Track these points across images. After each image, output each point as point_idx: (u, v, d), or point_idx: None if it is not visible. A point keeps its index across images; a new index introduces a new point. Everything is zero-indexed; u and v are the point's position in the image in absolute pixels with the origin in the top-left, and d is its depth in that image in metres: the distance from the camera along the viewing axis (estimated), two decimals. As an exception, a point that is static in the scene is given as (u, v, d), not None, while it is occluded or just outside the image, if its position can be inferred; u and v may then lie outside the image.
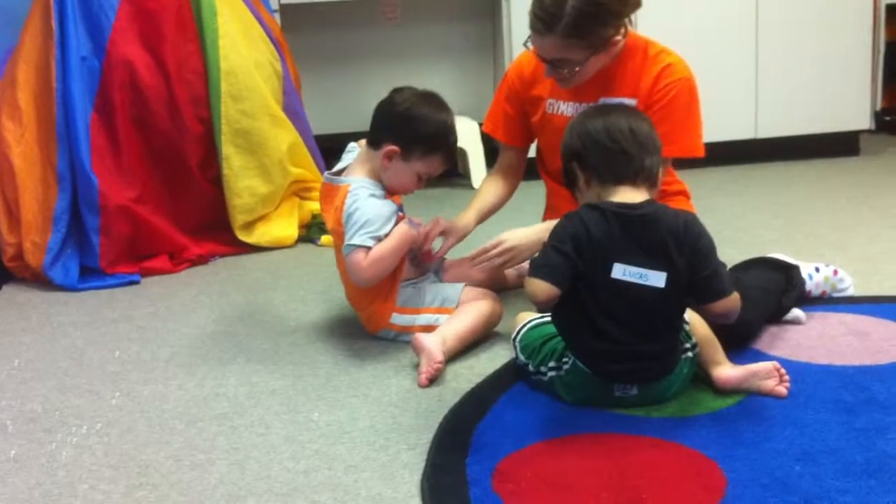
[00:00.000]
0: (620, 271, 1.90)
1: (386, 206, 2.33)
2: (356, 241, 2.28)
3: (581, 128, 2.01)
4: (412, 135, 2.33)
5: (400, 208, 2.44)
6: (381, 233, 2.29)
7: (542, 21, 2.27)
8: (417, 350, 2.22)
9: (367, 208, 2.30)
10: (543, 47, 2.33)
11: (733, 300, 1.95)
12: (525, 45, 2.39)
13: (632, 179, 1.96)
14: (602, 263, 1.91)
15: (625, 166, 1.96)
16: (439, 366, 2.17)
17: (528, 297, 1.95)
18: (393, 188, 2.40)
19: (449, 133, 2.38)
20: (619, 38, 2.35)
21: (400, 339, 2.41)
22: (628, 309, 1.92)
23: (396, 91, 2.40)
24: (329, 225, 2.45)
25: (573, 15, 2.23)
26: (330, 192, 2.42)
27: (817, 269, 2.54)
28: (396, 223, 2.35)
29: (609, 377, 1.95)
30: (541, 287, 1.89)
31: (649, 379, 1.96)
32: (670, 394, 1.99)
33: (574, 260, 1.90)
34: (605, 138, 1.97)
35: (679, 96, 2.40)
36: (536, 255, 1.98)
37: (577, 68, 2.34)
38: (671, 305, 1.95)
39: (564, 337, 2.03)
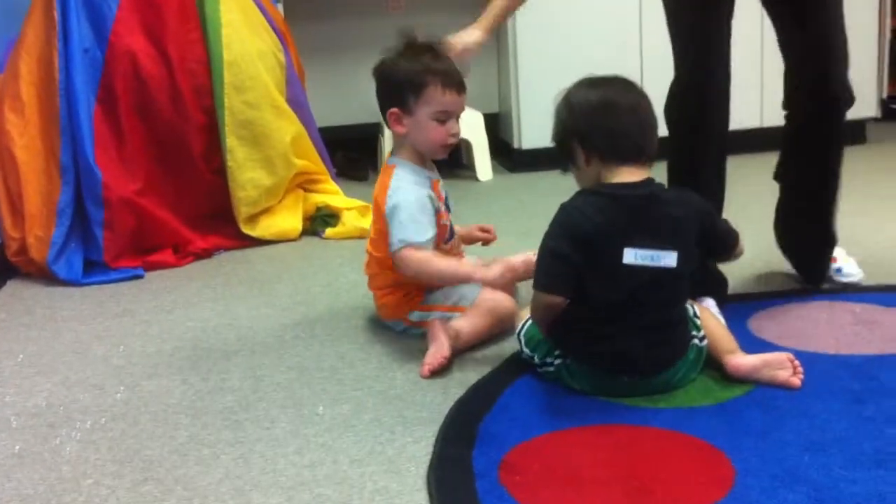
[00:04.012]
0: (632, 255, 1.90)
1: (425, 196, 2.31)
2: (404, 235, 2.26)
3: (581, 104, 1.97)
4: (393, 87, 2.32)
5: (446, 209, 2.42)
6: (429, 229, 2.28)
7: None
8: (431, 337, 2.21)
9: (407, 202, 2.28)
10: None
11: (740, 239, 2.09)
12: None
13: (636, 159, 1.95)
14: (610, 250, 1.90)
15: (631, 146, 1.94)
16: (444, 361, 2.16)
17: (534, 309, 2.00)
18: (426, 148, 2.36)
19: (427, 62, 2.31)
20: None
21: (409, 332, 2.40)
22: (638, 289, 1.91)
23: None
24: (374, 195, 2.42)
25: None
26: (384, 169, 2.42)
27: None
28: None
29: (617, 367, 1.94)
30: (552, 300, 1.94)
31: (662, 363, 1.95)
32: (677, 379, 1.98)
33: (574, 259, 1.90)
34: (609, 117, 1.94)
35: None
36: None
37: None
38: (681, 280, 1.97)
39: (566, 342, 2.01)
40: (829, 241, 2.55)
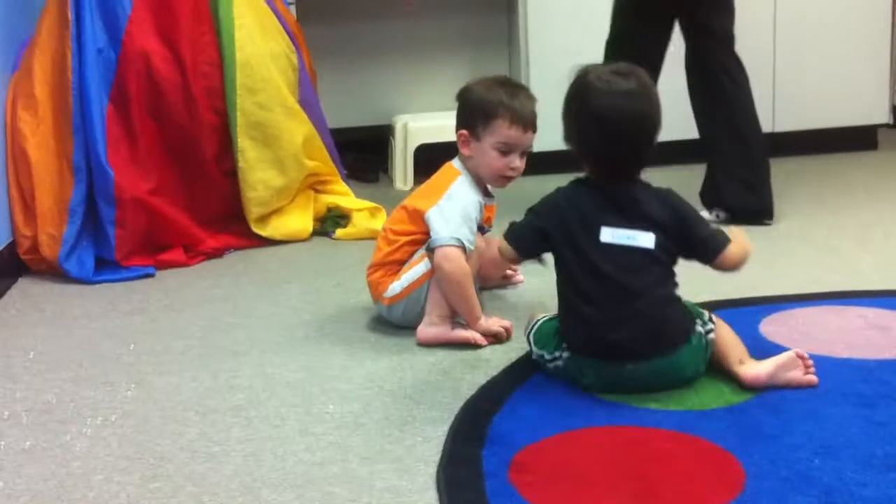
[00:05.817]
0: (609, 234, 1.97)
1: (477, 203, 2.39)
2: (458, 233, 2.32)
3: (590, 122, 2.02)
4: (466, 111, 2.40)
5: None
6: (472, 239, 2.35)
7: None
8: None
9: (469, 202, 2.37)
10: None
11: (740, 245, 2.04)
12: None
13: (629, 175, 2.05)
14: (589, 231, 1.99)
15: (623, 167, 2.04)
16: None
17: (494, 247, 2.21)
18: (486, 174, 2.42)
19: (502, 96, 2.36)
20: None
21: (388, 316, 2.46)
22: (618, 271, 1.96)
23: None
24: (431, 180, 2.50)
25: None
26: (446, 167, 2.49)
27: None
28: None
29: (616, 355, 1.96)
30: (506, 249, 2.13)
31: (660, 347, 1.95)
32: (682, 364, 1.97)
33: (545, 232, 2.05)
34: (603, 130, 1.99)
35: None
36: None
37: None
38: (662, 265, 1.99)
39: (568, 335, 2.04)
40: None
